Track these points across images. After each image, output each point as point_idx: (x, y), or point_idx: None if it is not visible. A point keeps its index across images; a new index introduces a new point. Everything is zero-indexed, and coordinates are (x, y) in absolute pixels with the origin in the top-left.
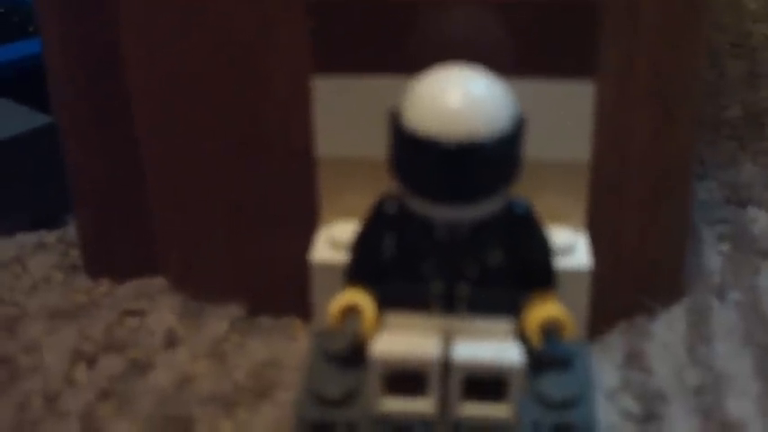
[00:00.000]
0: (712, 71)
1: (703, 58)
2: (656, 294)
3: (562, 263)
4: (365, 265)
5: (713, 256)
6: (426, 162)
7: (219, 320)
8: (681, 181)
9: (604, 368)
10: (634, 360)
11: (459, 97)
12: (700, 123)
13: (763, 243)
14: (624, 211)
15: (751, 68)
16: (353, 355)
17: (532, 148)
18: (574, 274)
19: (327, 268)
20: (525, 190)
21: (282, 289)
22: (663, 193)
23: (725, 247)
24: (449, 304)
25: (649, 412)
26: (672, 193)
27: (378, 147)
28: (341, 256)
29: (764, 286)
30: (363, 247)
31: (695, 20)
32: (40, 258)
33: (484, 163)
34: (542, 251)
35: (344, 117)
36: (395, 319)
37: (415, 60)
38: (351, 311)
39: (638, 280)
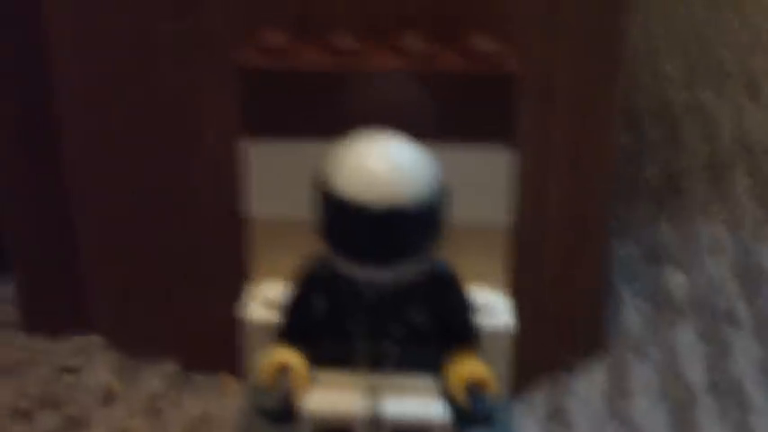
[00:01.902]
0: (632, 133)
1: (617, 124)
2: (576, 351)
3: (484, 322)
4: (295, 325)
5: (632, 313)
6: (351, 225)
7: (155, 377)
8: (597, 241)
9: (527, 424)
10: (556, 416)
11: (384, 163)
12: (616, 185)
13: (680, 302)
14: (543, 270)
15: (670, 132)
16: (285, 412)
17: (453, 211)
18: (496, 334)
19: (260, 327)
20: (447, 252)
21: (215, 346)
22: (580, 252)
23: (643, 305)
24: (376, 362)
25: None
26: (589, 252)
27: (307, 208)
28: (272, 315)
29: (681, 343)
30: (293, 307)
31: (608, 88)
32: None
33: (407, 227)
34: (463, 310)
35: (274, 179)
36: (325, 376)
37: (341, 125)
38: (282, 369)
39: (558, 337)
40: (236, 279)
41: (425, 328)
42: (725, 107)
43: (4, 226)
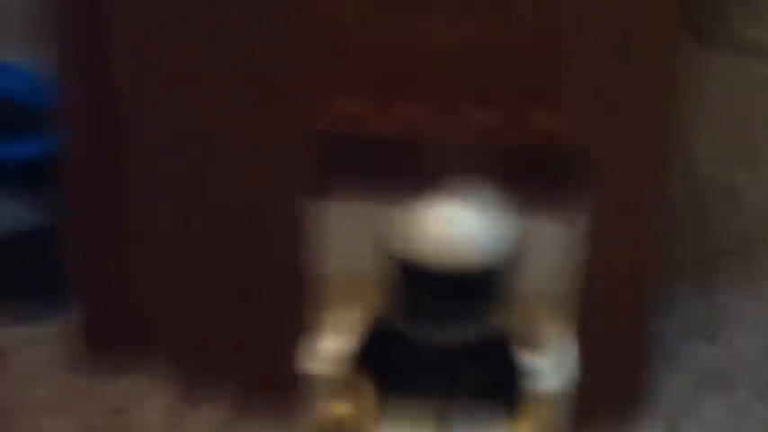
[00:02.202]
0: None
1: (663, 203)
2: (619, 416)
3: (538, 385)
4: (361, 376)
5: (669, 387)
6: (420, 289)
7: (210, 419)
8: (646, 313)
9: None
10: None
11: (454, 230)
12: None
13: (714, 377)
14: (595, 339)
15: (703, 213)
16: None
17: (523, 280)
18: (548, 396)
19: (320, 378)
20: (515, 316)
21: (273, 394)
22: (630, 324)
23: (680, 378)
24: (440, 416)
25: None
26: (637, 325)
27: (372, 267)
28: (333, 369)
29: (715, 419)
30: (359, 358)
31: (658, 171)
32: (40, 350)
33: (474, 291)
34: (515, 373)
35: (345, 238)
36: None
37: (414, 192)
38: (342, 422)
39: (600, 404)
40: (297, 330)
41: (482, 388)
42: (756, 186)
43: (68, 266)
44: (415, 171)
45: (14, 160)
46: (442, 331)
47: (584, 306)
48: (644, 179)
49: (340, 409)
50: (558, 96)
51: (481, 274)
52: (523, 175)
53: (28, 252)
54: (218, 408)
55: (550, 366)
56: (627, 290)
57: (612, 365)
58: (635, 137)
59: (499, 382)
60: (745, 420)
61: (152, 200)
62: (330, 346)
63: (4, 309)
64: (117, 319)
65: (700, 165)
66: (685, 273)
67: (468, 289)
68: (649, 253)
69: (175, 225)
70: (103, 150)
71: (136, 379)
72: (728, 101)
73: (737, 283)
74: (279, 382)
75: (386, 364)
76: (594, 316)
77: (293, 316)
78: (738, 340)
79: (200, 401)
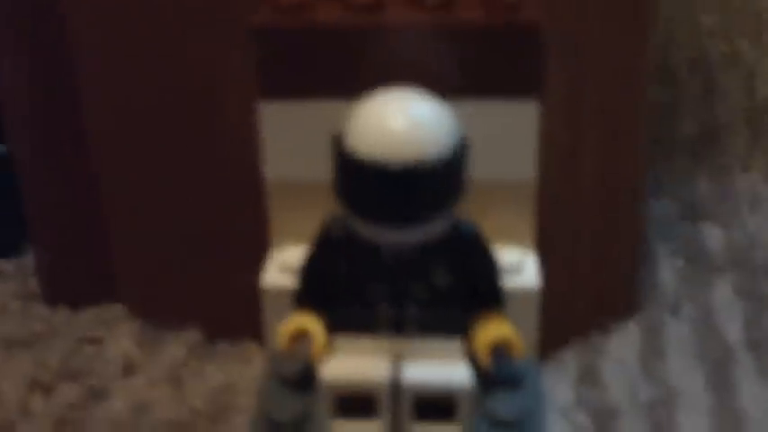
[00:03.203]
0: (668, 89)
1: (648, 79)
2: (610, 311)
3: (510, 282)
4: (314, 290)
5: (667, 272)
6: (371, 185)
7: (177, 346)
8: (632, 198)
9: (559, 385)
10: (588, 377)
11: (403, 120)
12: (652, 141)
13: (717, 258)
14: (576, 229)
15: (707, 85)
16: (304, 379)
17: (479, 169)
18: (522, 293)
19: (278, 293)
20: (472, 210)
21: (238, 313)
22: (614, 211)
23: (679, 263)
24: (398, 326)
25: (602, 428)
26: (623, 210)
27: (325, 170)
28: (291, 281)
29: (717, 301)
30: (311, 271)
31: (640, 42)
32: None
33: (429, 185)
34: (490, 271)
35: (292, 141)
36: (344, 342)
37: (360, 84)
38: (301, 336)
39: (592, 297)
40: (258, 246)
41: (449, 291)
42: (763, 59)
43: (27, 197)
44: (364, 61)
45: None
46: (400, 233)
47: (562, 194)
48: (627, 57)
49: (300, 321)
50: None
51: (437, 166)
52: (478, 56)
53: None
54: (189, 333)
55: (529, 259)
56: (616, 173)
57: (605, 252)
58: (615, 11)
59: (466, 284)
60: (751, 301)
61: (103, 126)
62: (285, 257)
63: None
64: (76, 255)
65: (703, 35)
66: (688, 149)
67: (424, 183)
68: (638, 131)
69: (129, 151)
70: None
71: (100, 312)
72: None
73: (744, 160)
74: (248, 298)
75: (337, 274)
76: (574, 204)
77: (250, 231)
78: (745, 219)
79: (170, 327)
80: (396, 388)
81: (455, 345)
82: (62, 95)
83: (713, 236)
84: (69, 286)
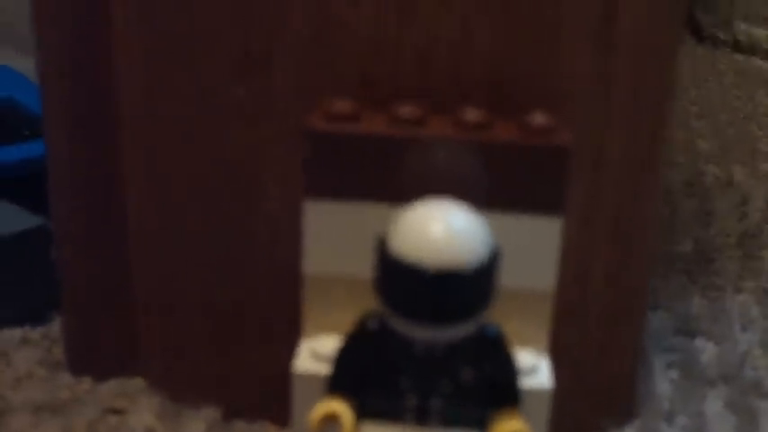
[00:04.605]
0: (666, 208)
1: (659, 198)
2: (609, 415)
3: (525, 383)
4: (345, 377)
5: (663, 383)
6: (410, 286)
7: (197, 423)
8: (636, 310)
9: None
10: None
11: (443, 229)
12: (654, 258)
13: (710, 372)
14: (583, 337)
15: (702, 206)
16: None
17: (502, 277)
18: (536, 394)
19: (308, 378)
20: (494, 314)
21: (261, 396)
22: (619, 321)
23: (674, 374)
24: (422, 417)
25: None
26: (627, 321)
27: (362, 267)
28: (322, 368)
29: (710, 413)
30: (345, 359)
31: (653, 163)
32: (25, 355)
33: (462, 290)
34: (510, 372)
35: (332, 239)
36: (371, 429)
37: (398, 190)
38: (330, 420)
39: (593, 400)
40: (288, 332)
41: (472, 387)
42: (756, 183)
43: (60, 267)
44: (404, 170)
45: (16, 161)
46: (433, 331)
47: (574, 303)
48: (641, 176)
49: (330, 406)
50: (556, 96)
51: (472, 272)
52: (510, 174)
53: (28, 252)
54: (209, 410)
55: (542, 363)
56: (624, 287)
57: (609, 360)
58: (633, 134)
59: (487, 382)
60: (742, 416)
61: (142, 204)
62: (317, 346)
63: (5, 309)
64: (103, 327)
65: (700, 160)
66: (683, 267)
67: (458, 287)
68: (644, 249)
69: (165, 229)
70: (89, 152)
71: (124, 383)
72: (728, 98)
73: (735, 281)
74: (271, 381)
75: (369, 364)
76: (583, 314)
77: (280, 318)
78: (736, 336)
79: (192, 403)
80: None
81: None
82: (103, 173)
83: (706, 351)
84: (94, 357)
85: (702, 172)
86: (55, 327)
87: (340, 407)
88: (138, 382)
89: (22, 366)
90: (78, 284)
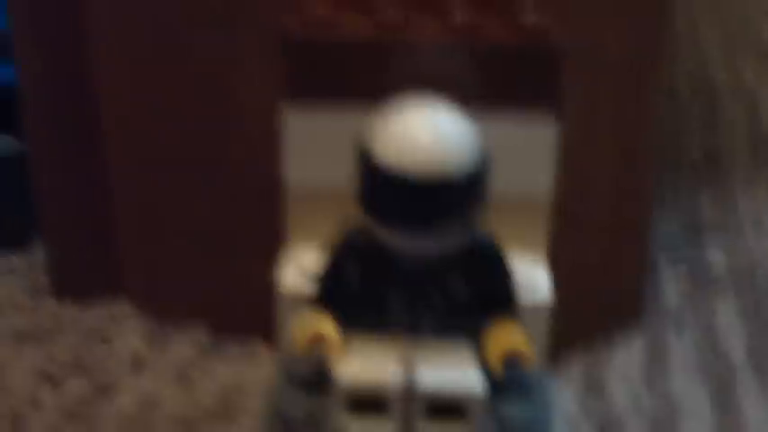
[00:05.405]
0: (674, 114)
1: (662, 100)
2: (616, 325)
3: (523, 296)
4: (330, 292)
5: (671, 290)
6: (395, 195)
7: (185, 344)
8: (642, 217)
9: (564, 396)
10: (593, 389)
11: (429, 133)
12: (660, 162)
13: (720, 278)
14: (585, 243)
15: (711, 111)
16: (318, 380)
17: (496, 182)
18: (534, 306)
19: (294, 294)
20: (487, 220)
21: (247, 313)
22: (624, 227)
23: (683, 281)
24: (412, 333)
25: None
26: (633, 227)
27: (345, 177)
28: (308, 284)
29: (720, 320)
30: (329, 275)
31: (655, 60)
32: (7, 282)
33: (451, 196)
34: (505, 280)
35: (313, 148)
36: (359, 344)
37: (382, 95)
38: (316, 337)
39: (598, 311)
40: (270, 247)
41: (465, 298)
42: (765, 84)
43: (38, 191)
44: (388, 74)
45: None
46: (419, 241)
47: (575, 210)
48: (643, 75)
49: (316, 322)
50: None
51: (460, 177)
52: (501, 73)
53: (5, 179)
54: (197, 331)
55: (540, 272)
56: (626, 191)
57: (613, 266)
58: (633, 31)
59: (481, 292)
60: (753, 320)
61: (120, 126)
62: (302, 261)
63: None
64: (84, 252)
65: (708, 63)
66: (692, 172)
67: (446, 194)
68: (648, 152)
69: (144, 149)
70: (61, 73)
71: (109, 308)
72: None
73: (746, 182)
74: (259, 299)
75: (354, 279)
76: (586, 221)
77: (263, 232)
78: (748, 240)
79: (180, 325)
80: (408, 391)
81: (468, 352)
82: (77, 92)
83: (717, 257)
84: (78, 281)
85: (711, 77)
86: (39, 254)
87: (327, 327)
88: (123, 307)
89: (4, 294)
90: (57, 210)
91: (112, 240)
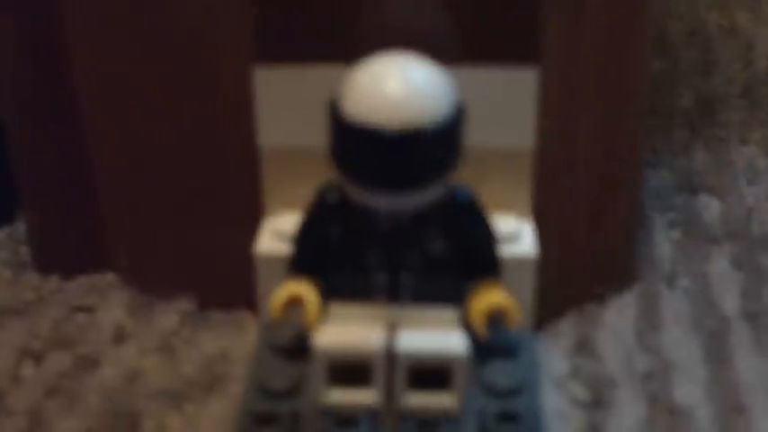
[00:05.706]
0: (666, 60)
1: (647, 49)
2: (606, 281)
3: (507, 251)
4: (308, 256)
5: (664, 243)
6: (366, 151)
7: (169, 315)
8: (630, 169)
9: (554, 356)
10: (584, 347)
11: (400, 85)
12: (649, 112)
13: (714, 230)
14: (573, 198)
15: (704, 57)
16: (298, 347)
17: (475, 136)
18: (519, 262)
19: (272, 260)
20: (469, 177)
21: (232, 282)
22: (611, 180)
23: (676, 234)
24: (393, 294)
25: (598, 399)
26: (621, 180)
27: (322, 137)
28: (285, 248)
29: (714, 273)
30: (305, 237)
31: (640, 11)
32: None
33: (425, 151)
34: (486, 239)
35: (287, 107)
36: (339, 309)
37: (356, 49)
38: (294, 303)
39: (588, 267)
40: (251, 212)
41: (445, 258)
42: (761, 31)
43: (17, 163)
44: (361, 28)
45: None
46: (395, 199)
47: (559, 163)
48: (627, 18)
49: (293, 288)
50: None
51: (434, 131)
52: (477, 23)
53: None
54: (181, 301)
55: (525, 228)
56: (613, 143)
57: (602, 222)
58: None
59: (462, 252)
60: (749, 274)
61: (97, 85)
62: (280, 224)
63: None
64: (66, 223)
65: (701, 8)
66: (684, 121)
67: (420, 148)
68: (635, 101)
69: (121, 116)
70: (36, 49)
71: (92, 280)
72: None
73: (741, 131)
74: (243, 266)
75: (331, 241)
76: (571, 174)
77: (244, 199)
78: (742, 191)
79: (165, 295)
80: (390, 356)
81: (451, 313)
82: (52, 59)
83: (710, 207)
84: (61, 255)
85: (704, 20)
86: (21, 227)
87: (304, 289)
88: (108, 278)
89: None
90: (37, 182)
91: (95, 213)
